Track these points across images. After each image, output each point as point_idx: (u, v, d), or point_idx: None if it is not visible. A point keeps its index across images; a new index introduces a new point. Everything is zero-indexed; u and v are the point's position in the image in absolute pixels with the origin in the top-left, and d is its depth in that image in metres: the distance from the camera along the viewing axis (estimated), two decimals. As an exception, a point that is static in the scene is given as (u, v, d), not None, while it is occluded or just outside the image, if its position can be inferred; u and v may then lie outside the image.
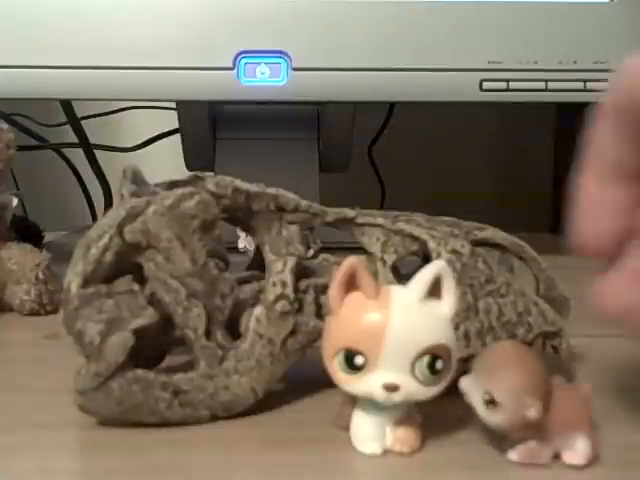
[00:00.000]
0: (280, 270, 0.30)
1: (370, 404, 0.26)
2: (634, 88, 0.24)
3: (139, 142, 0.80)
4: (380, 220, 0.32)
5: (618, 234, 0.25)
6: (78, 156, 0.80)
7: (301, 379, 0.32)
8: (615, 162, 0.25)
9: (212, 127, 0.65)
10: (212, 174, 0.31)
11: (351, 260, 0.25)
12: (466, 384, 0.26)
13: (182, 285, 0.28)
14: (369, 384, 0.25)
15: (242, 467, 0.26)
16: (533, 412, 0.24)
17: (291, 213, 0.31)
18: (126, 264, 0.28)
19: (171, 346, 0.31)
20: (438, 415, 0.30)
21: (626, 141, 0.25)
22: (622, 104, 0.25)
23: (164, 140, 0.79)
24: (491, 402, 0.24)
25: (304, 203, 0.31)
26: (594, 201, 0.25)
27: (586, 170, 0.26)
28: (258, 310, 0.30)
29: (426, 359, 0.25)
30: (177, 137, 0.70)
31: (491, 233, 0.33)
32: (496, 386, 0.24)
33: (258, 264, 0.32)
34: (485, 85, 0.55)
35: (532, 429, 0.25)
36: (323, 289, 0.31)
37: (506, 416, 0.24)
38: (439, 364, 0.25)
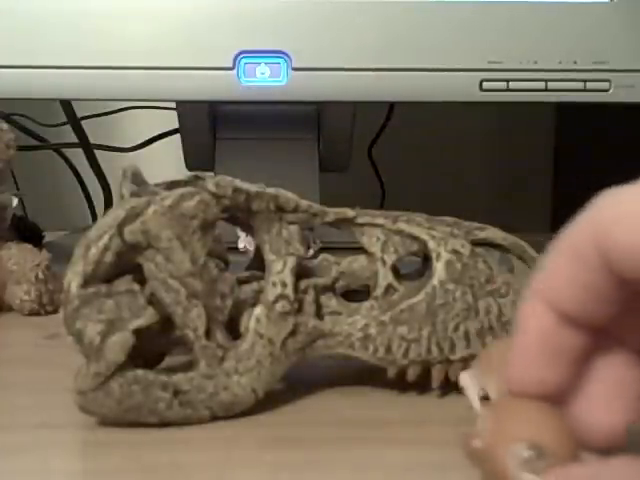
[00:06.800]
0: (280, 270, 0.30)
1: None
2: (605, 224, 0.19)
3: (139, 142, 0.80)
4: (380, 220, 0.32)
5: (564, 385, 0.21)
6: (78, 156, 0.80)
7: (301, 379, 0.32)
8: (563, 312, 0.21)
9: (212, 127, 0.65)
10: (212, 174, 0.31)
11: None
12: (465, 379, 0.26)
13: (182, 285, 0.28)
14: None
15: (242, 467, 0.26)
16: None
17: (291, 213, 0.31)
18: (126, 264, 0.28)
19: (171, 346, 0.31)
20: (438, 415, 0.30)
21: (582, 290, 0.20)
22: (586, 243, 0.20)
23: (164, 140, 0.79)
24: (486, 399, 0.25)
25: (304, 203, 0.31)
26: (544, 340, 0.21)
27: (537, 299, 0.21)
28: (258, 310, 0.30)
29: None
30: (177, 137, 0.70)
31: (491, 233, 0.33)
32: (491, 383, 0.25)
33: (258, 264, 0.32)
34: (485, 85, 0.55)
35: None
36: (323, 289, 0.31)
37: None
38: None
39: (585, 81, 0.55)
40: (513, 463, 0.21)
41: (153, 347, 0.30)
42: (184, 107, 0.64)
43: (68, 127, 0.77)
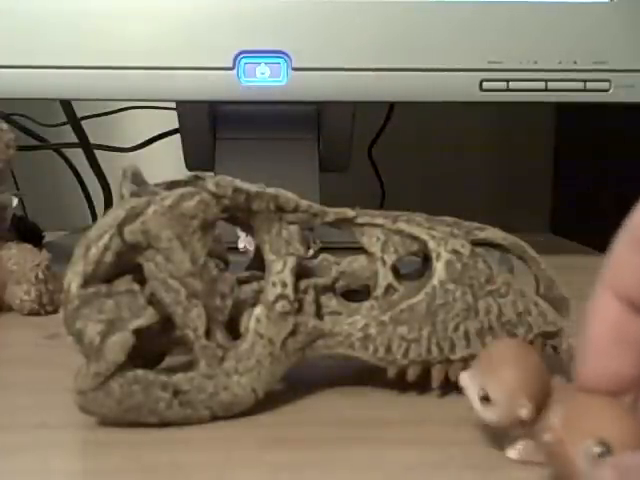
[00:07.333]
0: (280, 270, 0.30)
1: None
2: None
3: (139, 142, 0.80)
4: (380, 220, 0.32)
5: (638, 379, 0.21)
6: (78, 156, 0.80)
7: (301, 379, 0.32)
8: (629, 300, 0.20)
9: (212, 127, 0.65)
10: (212, 174, 0.31)
11: None
12: (464, 379, 0.26)
13: (182, 285, 0.28)
14: None
15: (242, 467, 0.26)
16: (524, 412, 0.24)
17: (291, 213, 0.31)
18: (126, 264, 0.28)
19: (171, 346, 0.31)
20: (438, 415, 0.30)
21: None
22: None
23: (164, 140, 0.79)
24: (485, 399, 0.25)
25: (304, 203, 0.31)
26: (614, 330, 0.21)
27: (603, 291, 0.21)
28: (258, 310, 0.30)
29: None
30: (177, 137, 0.70)
31: (491, 233, 0.33)
32: (491, 383, 0.25)
33: (258, 264, 0.32)
34: (485, 85, 0.55)
35: (526, 428, 0.25)
36: (323, 289, 0.31)
37: (498, 414, 0.24)
38: None
39: (585, 81, 0.55)
40: (582, 459, 0.20)
41: (153, 347, 0.30)
42: (184, 107, 0.64)
43: (68, 127, 0.77)
